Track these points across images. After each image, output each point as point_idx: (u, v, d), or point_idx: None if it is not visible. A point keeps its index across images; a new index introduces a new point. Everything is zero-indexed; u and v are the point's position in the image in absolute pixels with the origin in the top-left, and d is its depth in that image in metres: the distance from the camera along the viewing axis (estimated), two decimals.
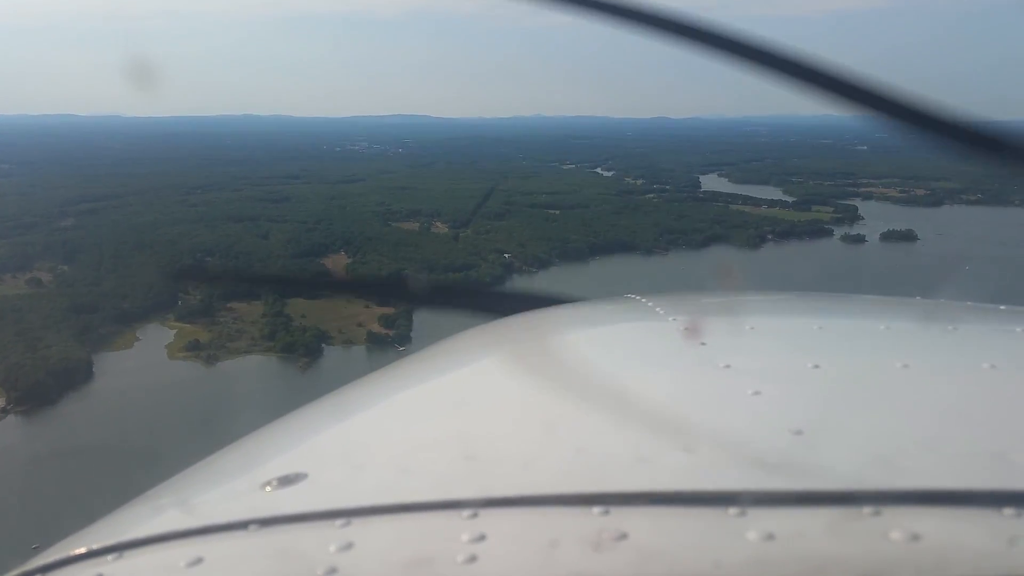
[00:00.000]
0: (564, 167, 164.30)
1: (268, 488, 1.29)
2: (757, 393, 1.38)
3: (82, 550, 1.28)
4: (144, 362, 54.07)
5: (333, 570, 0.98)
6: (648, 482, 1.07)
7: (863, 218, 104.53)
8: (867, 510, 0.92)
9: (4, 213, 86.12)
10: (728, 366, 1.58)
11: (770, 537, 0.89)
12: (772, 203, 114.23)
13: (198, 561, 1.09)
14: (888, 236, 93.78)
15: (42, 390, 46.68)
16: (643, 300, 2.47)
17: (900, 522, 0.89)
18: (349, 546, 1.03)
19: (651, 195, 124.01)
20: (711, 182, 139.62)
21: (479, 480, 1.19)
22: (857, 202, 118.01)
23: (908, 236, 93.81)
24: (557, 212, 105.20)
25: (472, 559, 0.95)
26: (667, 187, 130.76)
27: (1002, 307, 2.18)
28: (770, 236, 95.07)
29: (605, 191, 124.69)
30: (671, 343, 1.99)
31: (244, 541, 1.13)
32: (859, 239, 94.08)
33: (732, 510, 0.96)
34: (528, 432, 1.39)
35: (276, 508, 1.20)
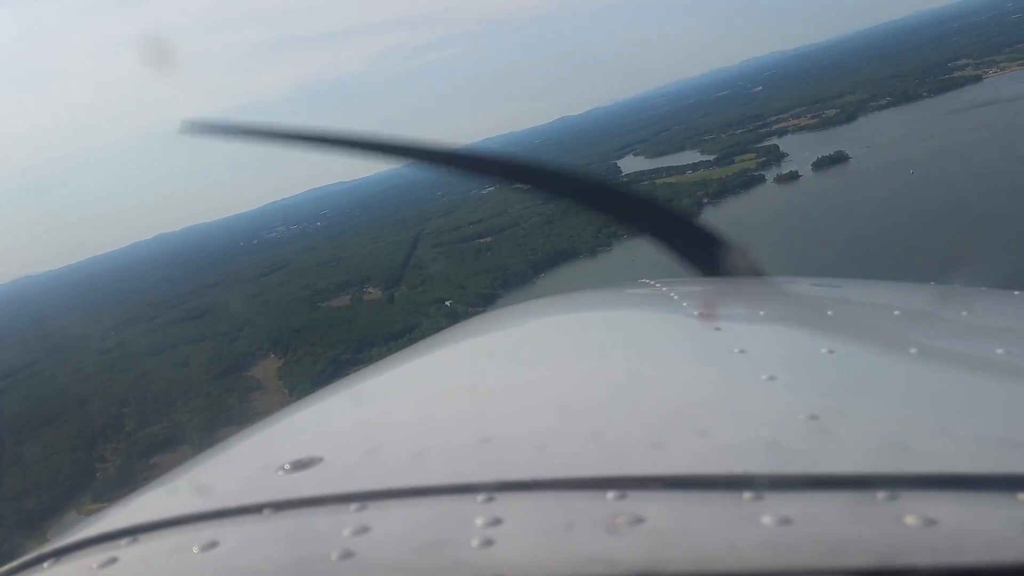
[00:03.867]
0: (483, 192, 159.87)
1: (283, 472, 1.29)
2: (772, 378, 1.37)
3: (97, 533, 1.27)
4: None
5: (348, 554, 0.98)
6: (663, 466, 1.06)
7: (787, 154, 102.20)
8: (882, 494, 0.91)
9: None
10: (743, 351, 1.57)
11: (785, 521, 0.89)
12: (695, 166, 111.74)
13: (213, 545, 1.09)
14: (819, 164, 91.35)
15: None
16: (657, 285, 2.48)
17: (915, 507, 0.88)
18: (364, 530, 1.03)
19: None
20: (629, 163, 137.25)
21: (494, 464, 1.18)
22: (775, 140, 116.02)
23: (839, 158, 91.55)
24: (489, 240, 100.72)
25: (488, 543, 0.94)
26: None
27: (1016, 292, 2.18)
28: (705, 199, 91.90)
29: (530, 204, 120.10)
30: (686, 328, 2.01)
31: (259, 525, 1.12)
32: (793, 176, 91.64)
33: (747, 494, 0.95)
34: (543, 416, 1.39)
35: (291, 492, 1.20)
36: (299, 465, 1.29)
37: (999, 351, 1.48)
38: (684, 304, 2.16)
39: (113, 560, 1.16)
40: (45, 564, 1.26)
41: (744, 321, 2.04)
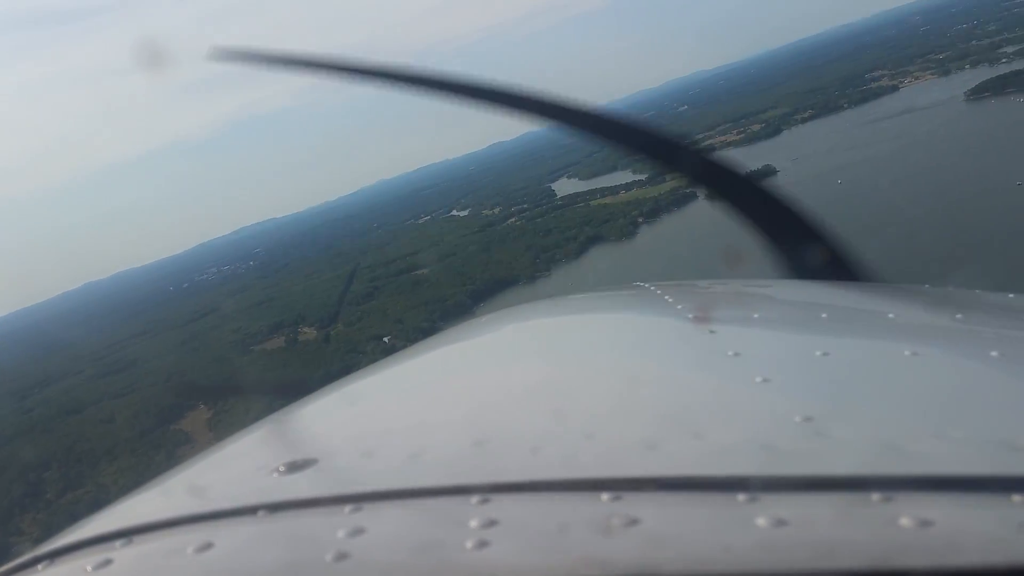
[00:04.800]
0: (420, 222, 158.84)
1: (277, 473, 1.29)
2: (766, 380, 1.38)
3: (91, 535, 1.27)
4: None
5: (343, 555, 0.98)
6: (658, 468, 1.06)
7: None
8: (877, 496, 0.92)
9: None
10: (737, 353, 1.57)
11: (780, 523, 0.89)
12: (628, 186, 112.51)
13: (208, 546, 1.09)
14: None
15: None
16: (652, 288, 2.52)
17: (910, 508, 0.88)
18: (359, 531, 1.03)
19: (512, 219, 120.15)
20: (564, 186, 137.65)
21: (489, 466, 1.18)
22: None
23: (767, 172, 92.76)
24: (426, 271, 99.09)
25: (482, 544, 0.95)
26: (524, 206, 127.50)
27: (1010, 295, 2.20)
28: (640, 219, 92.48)
29: (466, 231, 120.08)
30: (680, 330, 2.04)
31: (254, 526, 1.13)
32: None
33: (742, 496, 0.96)
34: (538, 418, 1.40)
35: (286, 493, 1.20)
36: (294, 467, 1.29)
37: (993, 353, 1.47)
38: (678, 307, 2.17)
39: (108, 562, 1.16)
40: (39, 566, 1.26)
41: (738, 323, 2.04)
